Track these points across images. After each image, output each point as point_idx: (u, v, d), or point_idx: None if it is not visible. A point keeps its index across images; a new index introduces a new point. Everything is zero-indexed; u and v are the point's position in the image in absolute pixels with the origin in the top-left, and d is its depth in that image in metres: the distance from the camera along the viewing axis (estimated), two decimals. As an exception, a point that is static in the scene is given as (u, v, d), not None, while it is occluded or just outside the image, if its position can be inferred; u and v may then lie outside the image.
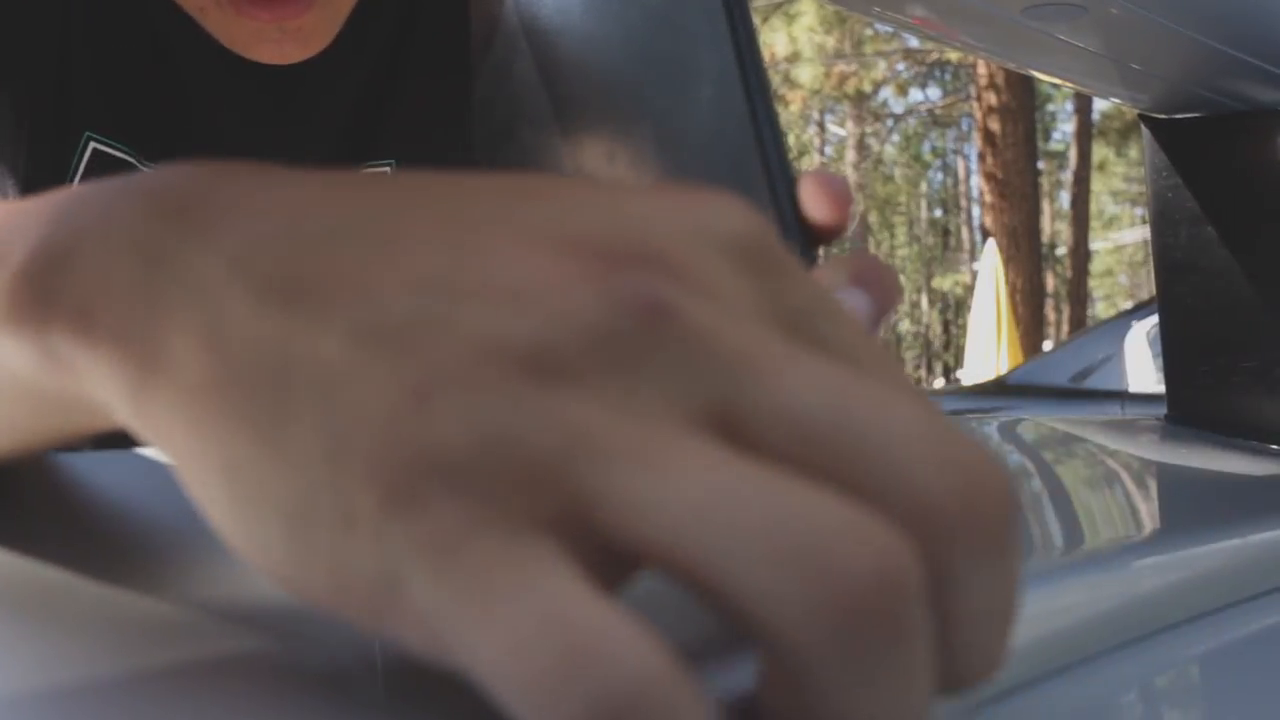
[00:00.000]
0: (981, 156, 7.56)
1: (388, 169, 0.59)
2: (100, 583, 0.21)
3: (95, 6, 0.51)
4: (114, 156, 0.52)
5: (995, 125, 7.35)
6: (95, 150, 0.51)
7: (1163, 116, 0.60)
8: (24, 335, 0.17)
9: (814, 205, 0.24)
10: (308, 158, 0.57)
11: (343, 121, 0.57)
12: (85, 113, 0.51)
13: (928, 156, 17.31)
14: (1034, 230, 7.35)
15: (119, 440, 0.34)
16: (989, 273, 5.18)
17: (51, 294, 0.17)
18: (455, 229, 0.16)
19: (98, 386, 0.17)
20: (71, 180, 0.51)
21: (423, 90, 0.58)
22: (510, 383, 0.14)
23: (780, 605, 0.13)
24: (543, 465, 0.14)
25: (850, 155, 14.82)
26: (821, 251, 0.24)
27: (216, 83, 0.52)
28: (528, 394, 0.14)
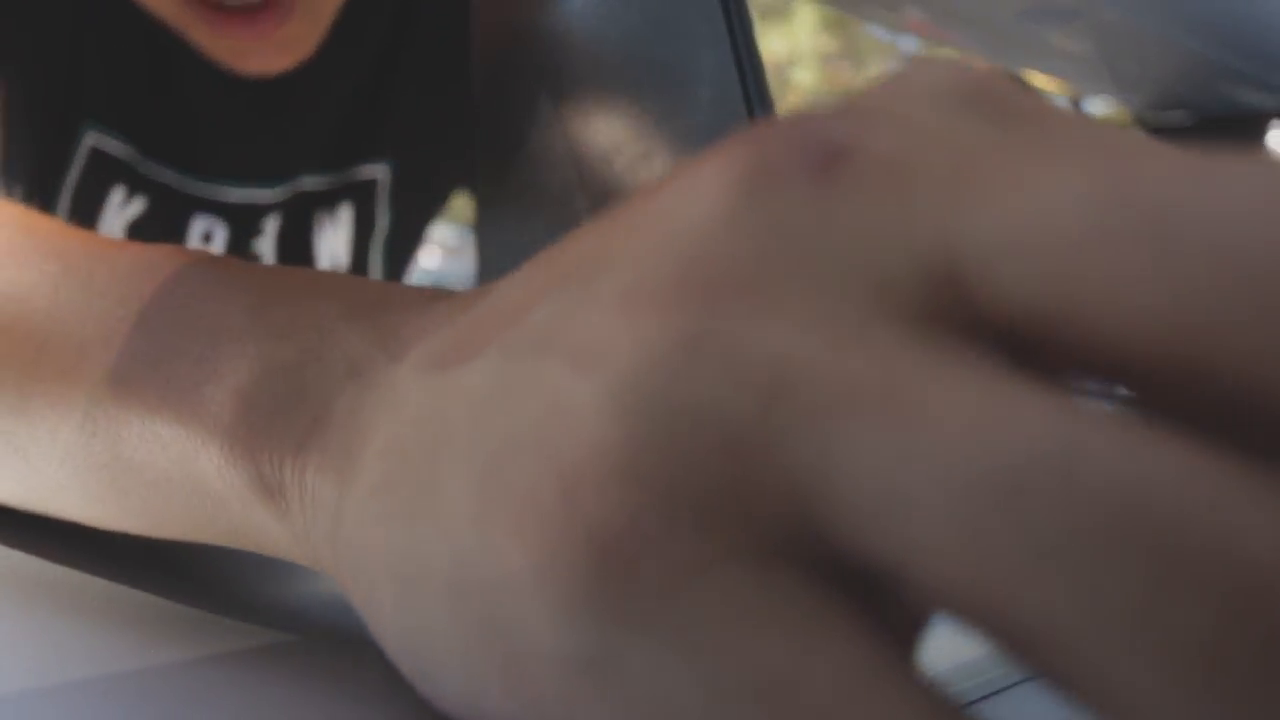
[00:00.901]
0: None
1: (386, 168, 0.59)
2: (105, 580, 0.21)
3: (98, 2, 0.51)
4: (112, 149, 0.52)
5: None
6: (94, 141, 0.51)
7: (1155, 119, 0.60)
8: (236, 461, 0.16)
9: None
10: (305, 156, 0.57)
11: (340, 121, 0.57)
12: (85, 104, 0.51)
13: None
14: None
15: None
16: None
17: (278, 424, 0.16)
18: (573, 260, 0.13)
19: (299, 515, 0.15)
20: (67, 170, 0.51)
21: (421, 91, 0.58)
22: (685, 345, 0.10)
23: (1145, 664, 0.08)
24: (748, 454, 0.09)
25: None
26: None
27: (214, 82, 0.52)
28: (709, 355, 0.10)
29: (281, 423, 0.16)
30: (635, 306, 0.10)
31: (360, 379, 0.15)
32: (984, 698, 0.22)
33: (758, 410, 0.09)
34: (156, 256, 0.20)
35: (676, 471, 0.09)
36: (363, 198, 0.59)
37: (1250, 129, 0.57)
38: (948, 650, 0.22)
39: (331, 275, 0.18)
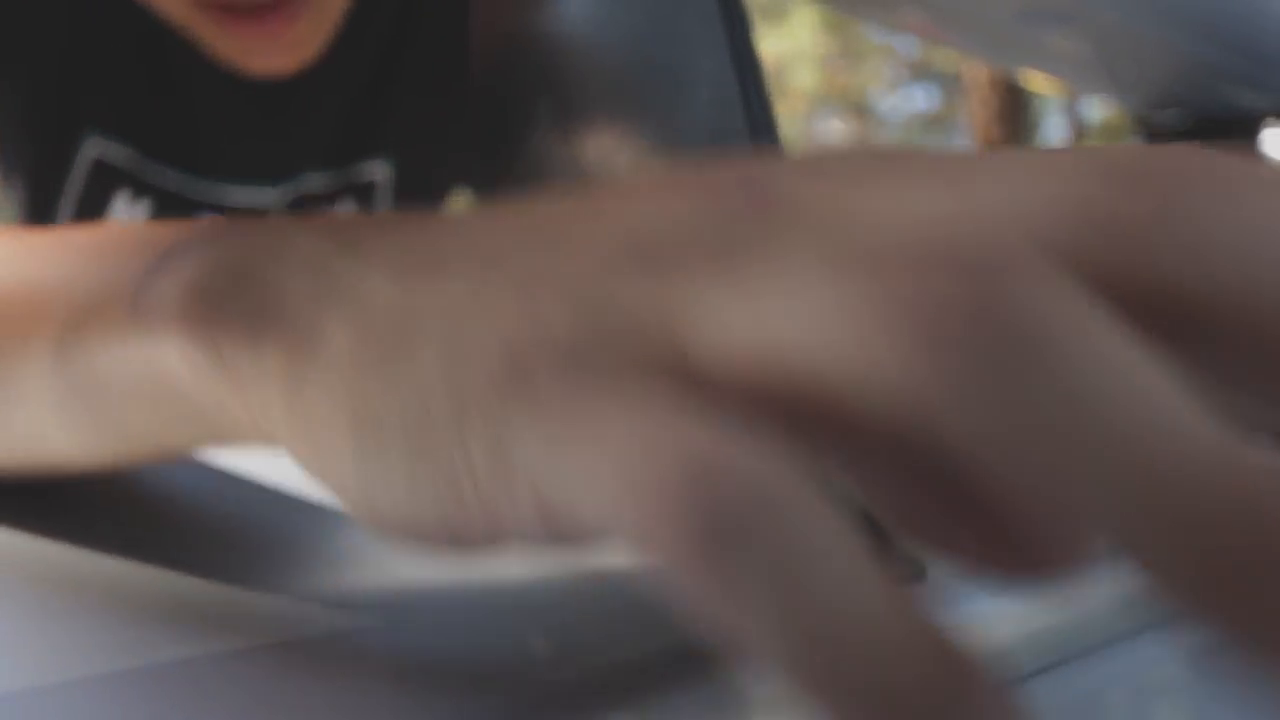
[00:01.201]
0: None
1: (387, 167, 0.59)
2: (106, 580, 0.21)
3: (99, 5, 0.51)
4: (114, 156, 0.52)
5: (987, 129, 7.37)
6: (97, 146, 0.51)
7: (1153, 120, 0.60)
8: (193, 342, 0.18)
9: None
10: (308, 155, 0.57)
11: (342, 120, 0.57)
12: (85, 111, 0.51)
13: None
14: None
15: None
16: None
17: (229, 303, 0.17)
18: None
19: (258, 387, 0.17)
20: (68, 178, 0.51)
21: (422, 91, 0.58)
22: (610, 267, 0.14)
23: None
24: (638, 316, 0.13)
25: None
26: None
27: (217, 82, 0.52)
28: (627, 270, 0.14)
29: (238, 305, 0.17)
30: (592, 262, 0.14)
31: (321, 274, 0.17)
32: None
33: (661, 294, 0.13)
34: (109, 226, 0.22)
35: (587, 331, 0.14)
36: (364, 196, 0.59)
37: (1246, 130, 0.57)
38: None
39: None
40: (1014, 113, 7.57)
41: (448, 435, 0.15)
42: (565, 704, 0.17)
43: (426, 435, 0.15)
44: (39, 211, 0.50)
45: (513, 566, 0.25)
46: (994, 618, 0.24)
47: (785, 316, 0.12)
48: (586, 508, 0.13)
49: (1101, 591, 0.28)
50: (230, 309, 0.17)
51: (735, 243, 0.13)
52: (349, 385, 0.16)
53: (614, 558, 0.25)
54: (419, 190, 0.61)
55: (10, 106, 0.49)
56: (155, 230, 0.21)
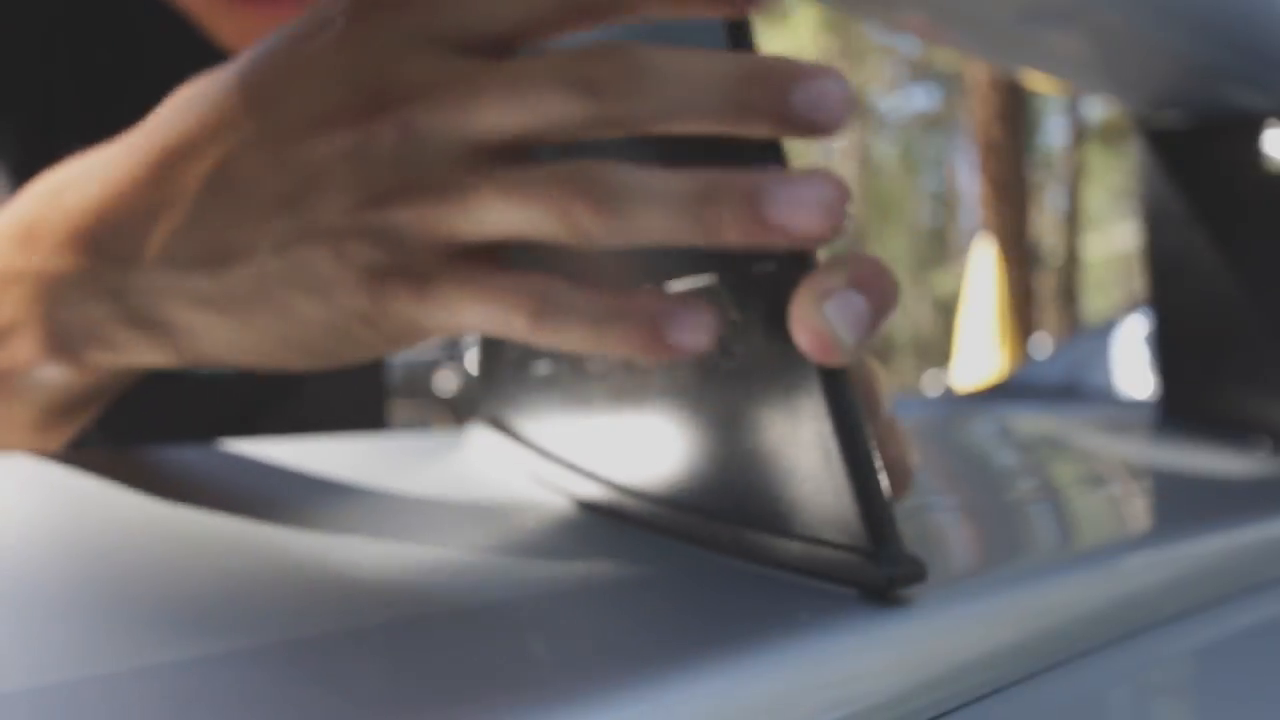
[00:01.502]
0: (975, 160, 7.58)
1: None
2: (105, 580, 0.21)
3: (78, 25, 0.51)
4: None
5: (987, 129, 7.37)
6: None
7: (1154, 121, 0.60)
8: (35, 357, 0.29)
9: None
10: None
11: None
12: (73, 137, 0.50)
13: (920, 160, 17.32)
14: (1025, 233, 7.37)
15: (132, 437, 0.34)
16: (981, 275, 5.19)
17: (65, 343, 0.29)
18: None
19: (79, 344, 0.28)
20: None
21: None
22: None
23: None
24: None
25: (847, 157, 14.83)
26: (820, 253, 0.24)
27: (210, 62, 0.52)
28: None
29: (72, 334, 0.28)
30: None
31: (98, 289, 0.27)
32: (984, 698, 0.23)
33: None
34: None
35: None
36: None
37: (1248, 130, 0.57)
38: (947, 651, 0.23)
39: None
40: (1014, 113, 7.56)
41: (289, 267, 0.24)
42: (565, 703, 0.17)
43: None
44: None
45: (513, 567, 0.25)
46: (994, 618, 0.24)
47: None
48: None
49: (1101, 591, 0.28)
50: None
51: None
52: (179, 274, 0.25)
53: (608, 566, 0.25)
54: None
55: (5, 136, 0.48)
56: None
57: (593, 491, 0.29)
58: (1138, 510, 0.40)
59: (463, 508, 0.30)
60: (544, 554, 0.26)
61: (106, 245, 0.26)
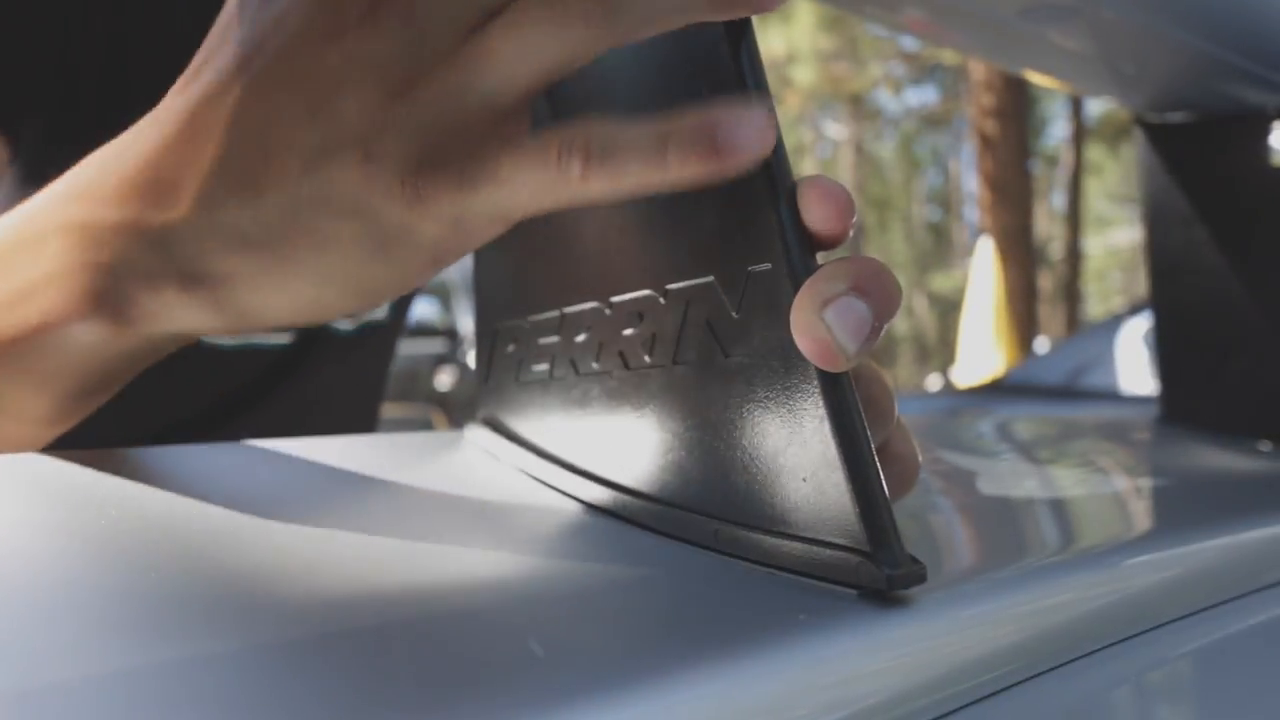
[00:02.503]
0: (976, 157, 7.58)
1: None
2: (105, 580, 0.21)
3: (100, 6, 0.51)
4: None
5: (989, 126, 7.37)
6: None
7: (1156, 118, 0.60)
8: (93, 323, 0.28)
9: (814, 212, 0.23)
10: None
11: None
12: (98, 119, 0.51)
13: (923, 156, 17.32)
14: (1027, 231, 7.37)
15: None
16: (983, 273, 5.19)
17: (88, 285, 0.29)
18: None
19: (143, 312, 0.28)
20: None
21: None
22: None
23: None
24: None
25: (847, 156, 14.82)
26: (820, 256, 0.24)
27: None
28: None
29: (116, 292, 0.28)
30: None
31: (141, 243, 0.27)
32: (983, 698, 0.23)
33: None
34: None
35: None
36: None
37: (1252, 128, 0.57)
38: (946, 651, 0.22)
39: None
40: (1016, 112, 7.56)
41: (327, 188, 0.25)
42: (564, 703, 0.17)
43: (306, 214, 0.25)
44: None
45: (512, 567, 0.24)
46: (994, 618, 0.24)
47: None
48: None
49: (1101, 592, 0.28)
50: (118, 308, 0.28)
51: None
52: (225, 230, 0.26)
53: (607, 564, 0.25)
54: None
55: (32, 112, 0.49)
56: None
57: (591, 492, 0.29)
58: (1138, 510, 0.40)
59: (462, 508, 0.30)
60: (543, 554, 0.26)
61: (148, 193, 0.27)
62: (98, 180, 0.28)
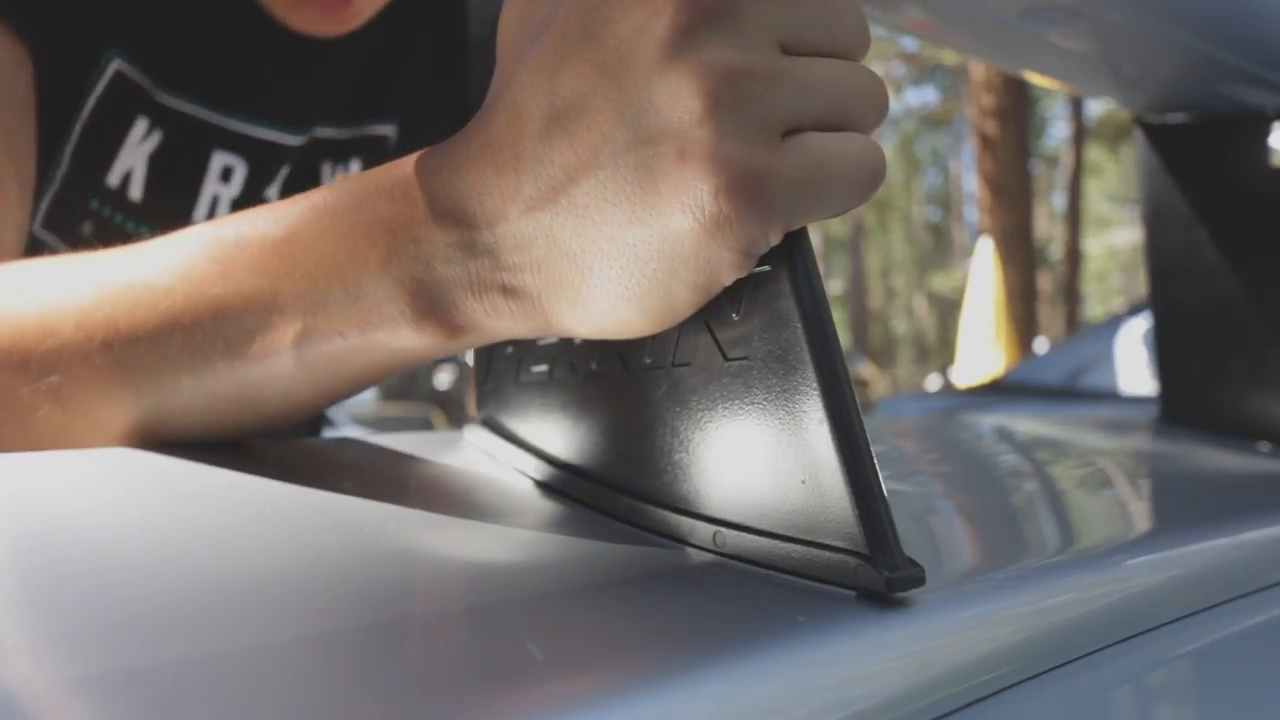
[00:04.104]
0: (976, 158, 7.58)
1: (391, 130, 0.63)
2: (106, 580, 0.21)
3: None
4: (132, 80, 0.52)
5: (990, 127, 7.37)
6: (116, 71, 0.52)
7: (1156, 119, 0.60)
8: (424, 330, 0.29)
9: None
10: (325, 109, 0.59)
11: (359, 81, 0.60)
12: (112, 32, 0.51)
13: (923, 157, 17.32)
14: (1027, 231, 7.37)
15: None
16: (982, 273, 5.19)
17: (441, 303, 0.29)
18: None
19: (480, 331, 0.29)
20: (90, 96, 0.51)
21: (427, 61, 0.62)
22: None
23: None
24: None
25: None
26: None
27: (253, 25, 0.54)
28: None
29: (444, 302, 0.28)
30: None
31: (467, 253, 0.28)
32: (983, 698, 0.23)
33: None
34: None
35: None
36: (372, 153, 0.62)
37: (1252, 128, 0.57)
38: (946, 652, 0.22)
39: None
40: (1016, 113, 7.56)
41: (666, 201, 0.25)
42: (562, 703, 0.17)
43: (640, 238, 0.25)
44: (57, 123, 0.51)
45: (511, 568, 0.24)
46: (993, 618, 0.24)
47: None
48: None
49: (1101, 592, 0.28)
50: (444, 308, 0.28)
51: None
52: (556, 234, 0.26)
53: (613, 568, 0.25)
54: (419, 149, 0.62)
55: (34, 23, 0.49)
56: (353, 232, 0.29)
57: (590, 493, 0.29)
58: (1138, 510, 0.40)
59: (461, 508, 0.30)
60: (542, 555, 0.26)
61: (469, 212, 0.27)
62: (404, 214, 0.28)
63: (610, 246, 0.25)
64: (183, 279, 0.30)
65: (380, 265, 0.28)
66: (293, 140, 0.57)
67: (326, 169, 0.61)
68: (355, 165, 0.62)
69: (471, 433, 0.36)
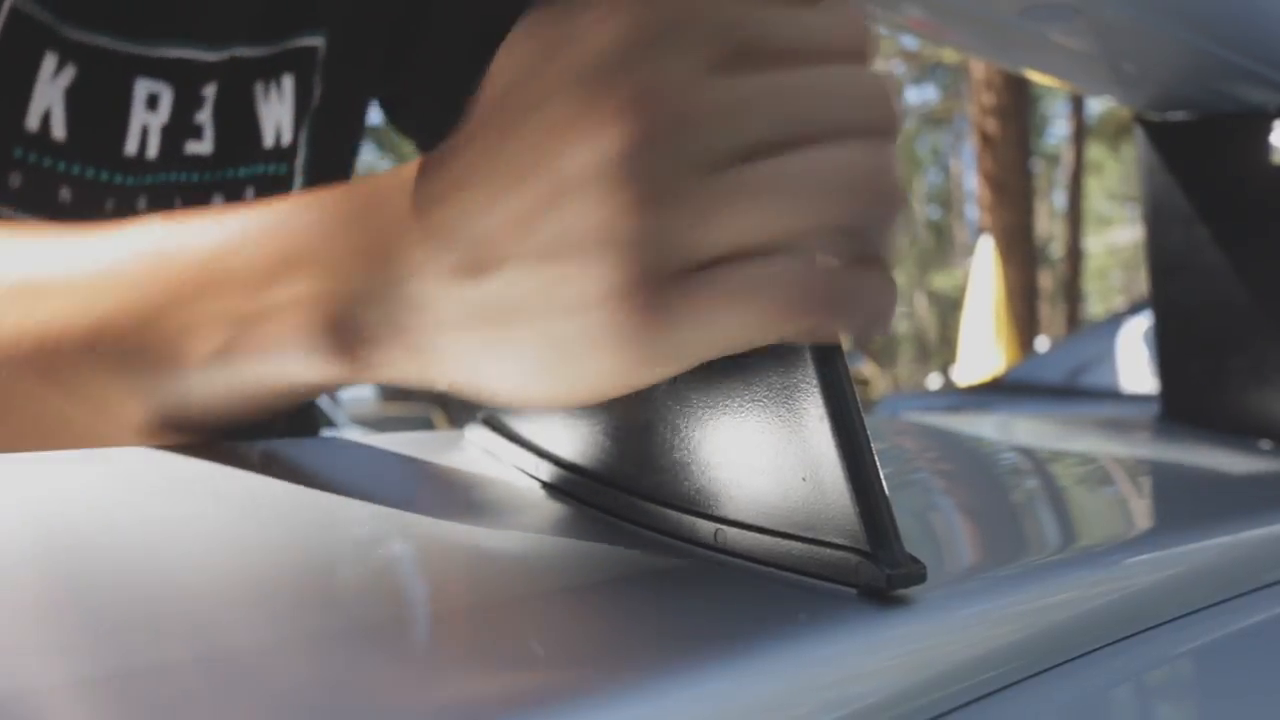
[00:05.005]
0: (977, 156, 7.57)
1: (320, 41, 0.59)
2: (105, 579, 0.22)
3: None
4: (31, 16, 0.49)
5: (990, 125, 7.36)
6: (12, 8, 0.49)
7: (1156, 117, 0.60)
8: (332, 366, 0.29)
9: None
10: (240, 23, 0.56)
11: None
12: None
13: (923, 155, 17.30)
14: (1028, 229, 7.37)
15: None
16: (983, 272, 5.19)
17: (350, 338, 0.28)
18: None
19: (383, 369, 0.28)
20: None
21: None
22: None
23: None
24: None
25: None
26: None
27: None
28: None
29: (350, 341, 0.28)
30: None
31: (377, 302, 0.27)
32: (983, 697, 0.23)
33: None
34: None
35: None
36: (303, 68, 0.59)
37: (1252, 127, 0.57)
38: (946, 650, 0.23)
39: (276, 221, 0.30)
40: (1016, 111, 7.56)
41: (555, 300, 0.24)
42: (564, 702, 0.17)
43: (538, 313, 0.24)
44: None
45: (511, 567, 0.25)
46: (994, 617, 0.24)
47: None
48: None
49: (1101, 591, 0.28)
50: (352, 347, 0.28)
51: None
52: (468, 315, 0.25)
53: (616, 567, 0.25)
54: (349, 63, 0.61)
55: None
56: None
57: (591, 492, 0.29)
58: (1138, 510, 0.40)
59: (461, 508, 0.30)
60: (543, 553, 0.26)
61: (382, 263, 0.27)
62: (328, 248, 0.28)
63: (525, 333, 0.25)
64: (109, 282, 0.31)
65: (294, 296, 0.28)
66: (212, 57, 0.54)
67: (259, 88, 0.58)
68: (288, 81, 0.59)
69: (472, 432, 0.36)
